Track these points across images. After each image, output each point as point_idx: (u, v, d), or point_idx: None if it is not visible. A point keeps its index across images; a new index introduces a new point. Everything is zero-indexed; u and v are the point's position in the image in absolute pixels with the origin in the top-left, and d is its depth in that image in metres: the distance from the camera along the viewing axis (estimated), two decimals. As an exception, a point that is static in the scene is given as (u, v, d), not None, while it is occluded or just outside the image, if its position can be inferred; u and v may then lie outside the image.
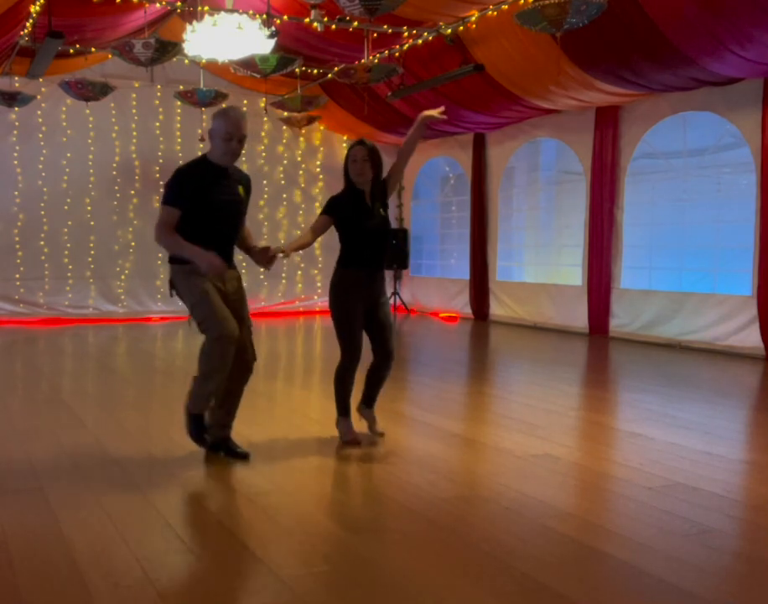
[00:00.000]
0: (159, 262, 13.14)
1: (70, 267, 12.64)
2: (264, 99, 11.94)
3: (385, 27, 9.22)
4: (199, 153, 14.76)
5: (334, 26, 9.03)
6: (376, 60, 9.99)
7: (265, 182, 13.75)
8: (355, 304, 4.91)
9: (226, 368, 4.50)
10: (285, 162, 13.96)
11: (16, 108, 11.46)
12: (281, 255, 4.85)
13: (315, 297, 14.27)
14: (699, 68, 8.08)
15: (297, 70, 10.36)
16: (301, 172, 14.13)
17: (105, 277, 12.86)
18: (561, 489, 4.28)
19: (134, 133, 12.89)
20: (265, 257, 4.82)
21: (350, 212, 4.93)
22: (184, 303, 4.66)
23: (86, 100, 10.33)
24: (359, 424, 5.16)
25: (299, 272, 14.06)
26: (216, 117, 4.69)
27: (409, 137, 5.19)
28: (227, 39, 7.63)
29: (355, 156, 4.88)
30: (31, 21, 8.96)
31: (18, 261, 12.32)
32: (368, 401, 5.21)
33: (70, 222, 12.57)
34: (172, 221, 4.51)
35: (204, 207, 4.54)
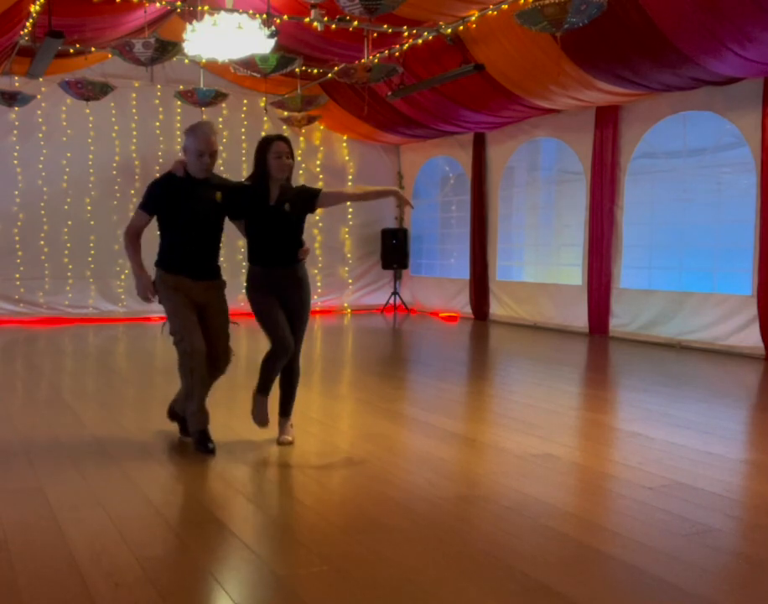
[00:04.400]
0: (159, 261, 13.15)
1: (70, 267, 12.64)
2: (264, 99, 11.94)
3: (385, 26, 9.21)
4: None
5: (334, 26, 9.03)
6: (376, 60, 9.98)
7: (265, 182, 13.74)
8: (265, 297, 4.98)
9: (198, 380, 4.79)
10: (285, 161, 13.94)
11: (16, 108, 11.44)
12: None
13: (315, 297, 14.27)
14: (699, 67, 8.08)
15: (297, 69, 10.35)
16: (301, 172, 14.10)
17: (105, 277, 12.85)
18: (561, 489, 4.28)
19: (134, 133, 12.89)
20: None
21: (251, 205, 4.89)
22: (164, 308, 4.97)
23: (86, 99, 10.32)
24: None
25: (299, 271, 14.03)
26: (189, 132, 4.83)
27: (366, 193, 5.52)
28: (227, 38, 7.62)
29: (280, 151, 4.80)
30: (31, 21, 8.96)
31: (18, 261, 12.31)
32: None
33: (70, 222, 12.57)
34: (139, 224, 4.94)
35: (177, 217, 4.85)
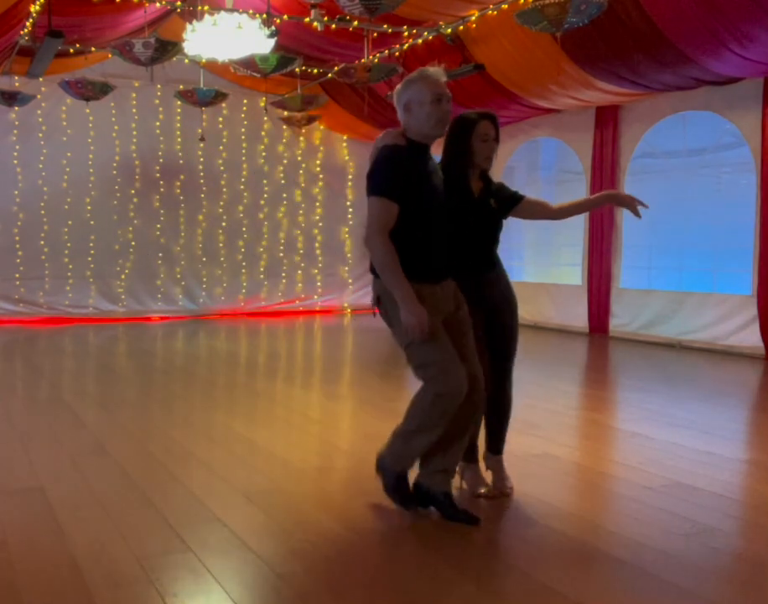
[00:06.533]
0: (159, 261, 13.16)
1: (70, 266, 12.64)
2: (264, 98, 11.95)
3: (385, 26, 9.21)
4: (200, 153, 14.65)
5: (334, 25, 9.03)
6: (376, 60, 9.98)
7: (265, 182, 13.75)
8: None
9: (444, 426, 3.61)
10: (285, 161, 13.96)
11: (16, 108, 11.46)
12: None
13: (315, 297, 14.26)
14: (699, 67, 8.08)
15: (297, 69, 10.36)
16: (301, 171, 14.13)
17: (105, 276, 12.86)
18: (561, 489, 4.28)
19: (134, 133, 12.89)
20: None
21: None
22: (391, 330, 3.76)
23: (86, 99, 10.33)
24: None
25: (299, 272, 14.05)
26: (411, 83, 3.71)
27: (578, 204, 4.33)
28: (227, 38, 7.63)
29: (488, 134, 3.92)
30: (31, 20, 8.96)
31: (18, 261, 12.32)
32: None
33: (70, 222, 12.57)
34: (390, 219, 3.51)
35: (421, 197, 3.60)
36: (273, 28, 7.77)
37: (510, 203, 4.05)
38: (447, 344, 3.59)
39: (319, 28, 9.03)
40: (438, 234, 3.67)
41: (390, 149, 3.61)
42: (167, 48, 8.15)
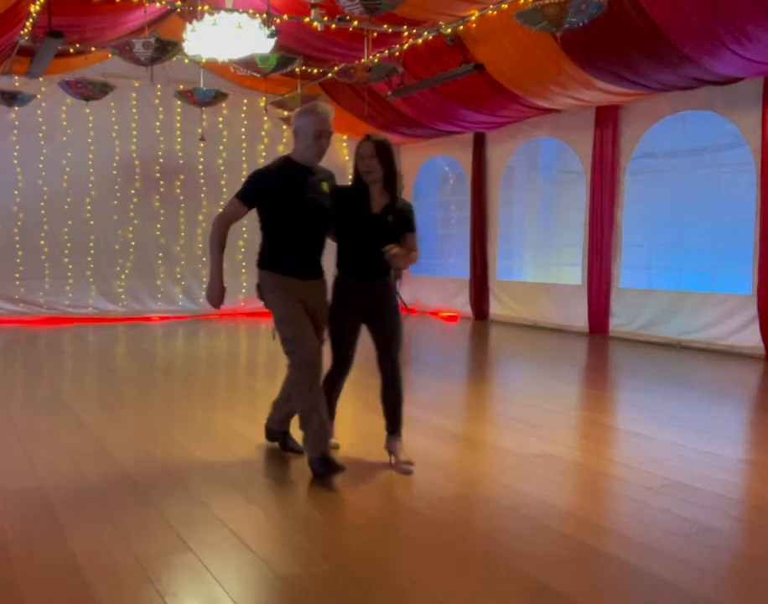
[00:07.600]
0: (159, 261, 13.16)
1: (70, 266, 12.64)
2: (264, 98, 11.94)
3: (385, 26, 9.21)
4: (200, 153, 14.63)
5: (334, 25, 9.02)
6: (376, 60, 9.98)
7: (265, 181, 13.73)
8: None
9: (318, 391, 4.31)
10: (285, 161, 13.94)
11: (16, 108, 11.44)
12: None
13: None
14: (699, 67, 8.08)
15: (297, 69, 10.36)
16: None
17: (105, 276, 12.85)
18: (561, 489, 4.28)
19: (134, 133, 12.89)
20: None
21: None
22: (271, 313, 4.45)
23: (86, 99, 10.31)
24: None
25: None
26: (304, 114, 4.46)
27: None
28: (227, 38, 7.62)
29: (362, 153, 4.46)
30: (31, 20, 8.95)
31: (18, 261, 12.31)
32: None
33: (70, 222, 12.56)
34: (236, 215, 4.53)
35: (288, 208, 4.33)
36: (273, 28, 7.77)
37: (403, 227, 4.50)
38: (304, 324, 4.31)
39: (319, 28, 9.02)
40: (302, 238, 4.37)
41: (260, 170, 4.53)
42: (167, 48, 8.14)
